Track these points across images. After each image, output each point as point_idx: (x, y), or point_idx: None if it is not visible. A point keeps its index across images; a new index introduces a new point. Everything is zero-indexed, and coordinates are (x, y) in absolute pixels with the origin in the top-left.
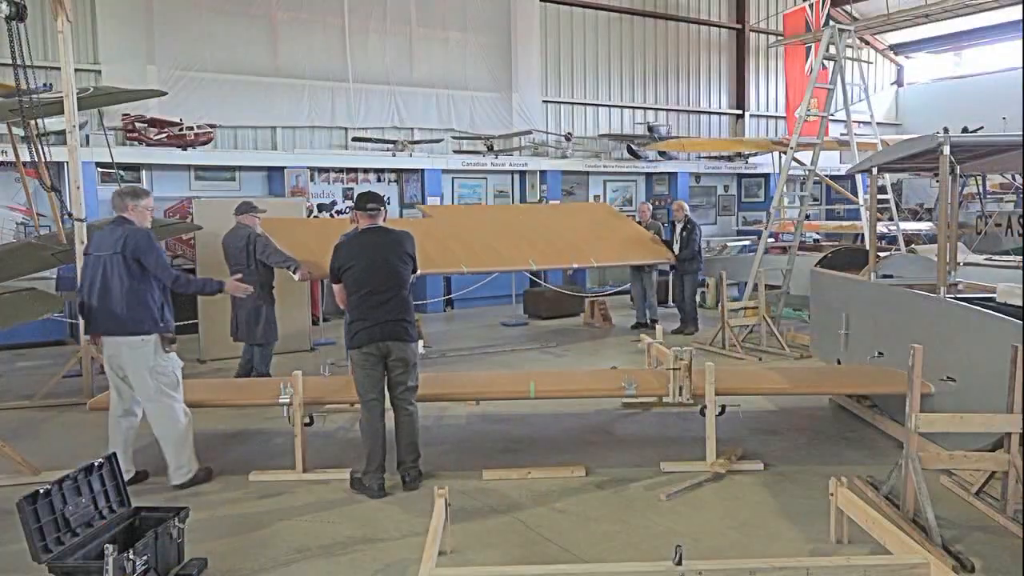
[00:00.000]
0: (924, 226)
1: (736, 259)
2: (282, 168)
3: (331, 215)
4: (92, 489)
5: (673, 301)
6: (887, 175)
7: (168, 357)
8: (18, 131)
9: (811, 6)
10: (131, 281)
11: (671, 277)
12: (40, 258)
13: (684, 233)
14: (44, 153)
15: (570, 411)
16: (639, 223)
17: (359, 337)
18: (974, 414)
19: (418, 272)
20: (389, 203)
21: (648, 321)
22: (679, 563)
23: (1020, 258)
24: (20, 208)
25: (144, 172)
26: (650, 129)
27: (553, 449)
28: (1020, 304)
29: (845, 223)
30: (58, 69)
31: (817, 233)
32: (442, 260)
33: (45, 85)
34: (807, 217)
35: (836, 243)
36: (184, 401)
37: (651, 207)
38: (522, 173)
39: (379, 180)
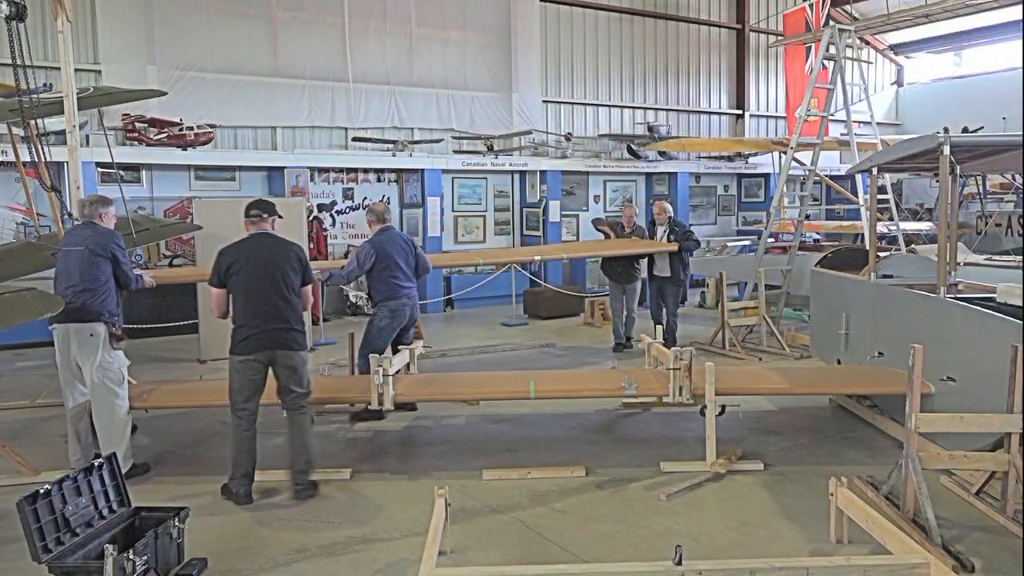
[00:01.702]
0: (924, 226)
1: (736, 259)
2: (282, 168)
3: (331, 215)
4: (92, 489)
5: (652, 316)
6: (887, 175)
7: (115, 354)
8: (18, 131)
9: (811, 6)
10: (95, 275)
11: (649, 289)
12: (40, 258)
13: (671, 238)
14: (44, 153)
15: (570, 411)
16: (623, 228)
17: (243, 345)
18: (974, 414)
19: (314, 283)
20: (389, 203)
21: (626, 339)
22: (679, 563)
23: (1020, 258)
24: (20, 208)
25: (144, 172)
26: (650, 129)
27: (553, 449)
28: (1020, 304)
29: (845, 223)
30: (58, 69)
31: (817, 233)
32: None
33: (45, 85)
34: (807, 217)
35: (836, 243)
36: (129, 399)
37: (636, 211)
38: (522, 173)
39: (379, 180)
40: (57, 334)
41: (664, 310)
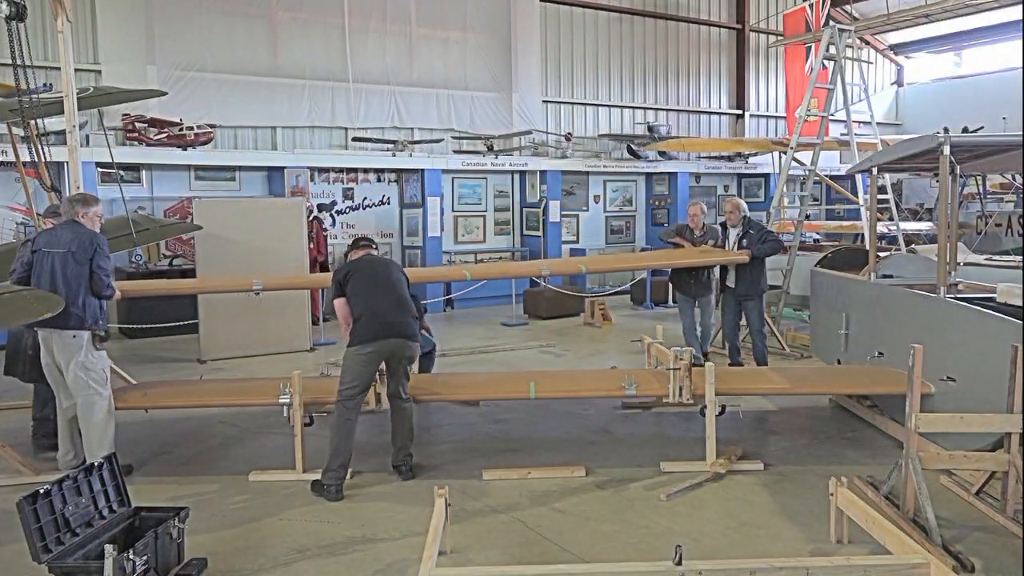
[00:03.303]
0: (924, 226)
1: None
2: (282, 168)
3: (331, 215)
4: (92, 489)
5: (726, 337)
6: (887, 175)
7: (98, 355)
8: (18, 131)
9: (811, 6)
10: (76, 280)
11: (723, 304)
12: None
13: (743, 243)
14: (44, 153)
15: (570, 411)
16: (691, 231)
17: (365, 333)
18: (974, 414)
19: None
20: (389, 203)
21: (704, 356)
22: (679, 563)
23: (1020, 258)
24: (20, 208)
25: (144, 172)
26: (650, 129)
27: (553, 449)
28: (1020, 304)
29: (845, 223)
30: (58, 69)
31: (817, 233)
32: None
33: (45, 85)
34: (807, 217)
35: (836, 243)
36: (112, 398)
37: (704, 208)
38: (522, 173)
39: (379, 180)
40: (40, 337)
41: (749, 328)
